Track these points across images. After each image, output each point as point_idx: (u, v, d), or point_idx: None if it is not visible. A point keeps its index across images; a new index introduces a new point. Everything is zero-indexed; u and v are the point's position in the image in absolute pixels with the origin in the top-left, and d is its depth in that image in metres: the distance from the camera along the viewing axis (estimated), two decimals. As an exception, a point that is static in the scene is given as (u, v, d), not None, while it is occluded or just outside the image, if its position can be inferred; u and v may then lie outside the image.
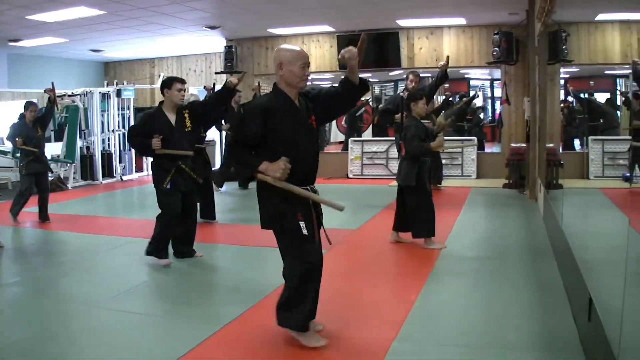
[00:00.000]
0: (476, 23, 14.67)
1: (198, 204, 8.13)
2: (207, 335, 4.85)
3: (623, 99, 13.38)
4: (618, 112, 13.80)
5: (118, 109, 16.86)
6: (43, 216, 10.04)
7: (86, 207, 12.08)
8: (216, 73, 17.82)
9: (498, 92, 18.05)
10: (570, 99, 14.64)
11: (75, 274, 7.03)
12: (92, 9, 11.95)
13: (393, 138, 13.90)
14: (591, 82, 15.37)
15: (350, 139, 16.65)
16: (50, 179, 11.43)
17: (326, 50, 16.28)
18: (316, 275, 4.58)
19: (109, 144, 16.57)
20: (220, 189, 13.28)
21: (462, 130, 17.20)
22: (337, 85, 4.79)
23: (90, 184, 15.75)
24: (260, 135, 4.43)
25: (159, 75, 19.52)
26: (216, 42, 17.14)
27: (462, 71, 18.34)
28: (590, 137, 12.59)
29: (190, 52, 19.37)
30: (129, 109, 17.29)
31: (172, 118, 7.21)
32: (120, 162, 16.77)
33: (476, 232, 9.10)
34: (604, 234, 6.20)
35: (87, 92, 16.12)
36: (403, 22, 14.70)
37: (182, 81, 7.34)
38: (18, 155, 10.75)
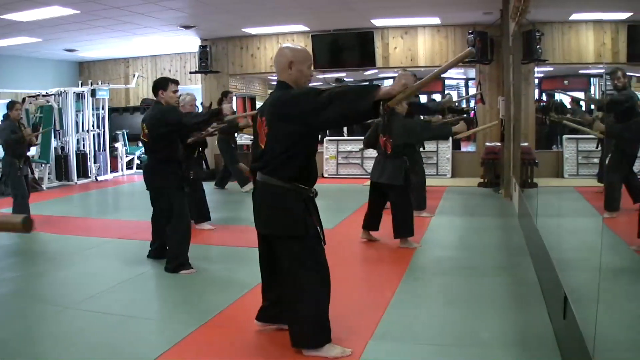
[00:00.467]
0: (451, 23, 14.72)
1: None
2: (184, 335, 4.83)
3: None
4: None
5: (92, 109, 16.73)
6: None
7: (61, 208, 11.99)
8: (191, 73, 17.77)
9: (473, 92, 18.11)
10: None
11: (50, 275, 6.97)
12: (66, 9, 11.87)
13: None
14: (565, 82, 15.48)
15: (325, 139, 16.63)
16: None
17: (301, 50, 16.26)
18: (329, 280, 4.50)
19: (83, 144, 16.44)
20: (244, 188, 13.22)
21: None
22: None
23: (65, 184, 15.63)
24: None
25: (134, 75, 19.45)
26: (191, 42, 17.08)
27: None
28: (565, 136, 12.67)
29: (165, 51, 19.30)
30: (103, 109, 17.17)
31: None
32: (95, 162, 16.65)
33: (451, 230, 9.14)
34: (579, 232, 6.24)
35: (61, 92, 15.99)
36: (378, 22, 14.72)
37: (176, 82, 7.22)
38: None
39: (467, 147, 17.70)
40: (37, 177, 14.77)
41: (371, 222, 8.17)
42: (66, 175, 15.76)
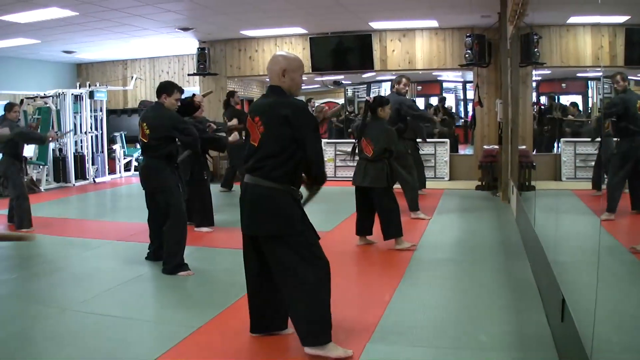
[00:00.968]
0: (448, 25, 14.73)
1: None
2: (182, 337, 4.84)
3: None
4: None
5: (90, 110, 16.74)
6: (13, 218, 9.90)
7: (59, 210, 11.99)
8: (189, 75, 17.75)
9: (470, 95, 18.14)
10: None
11: (48, 276, 6.97)
12: (65, 10, 11.86)
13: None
14: (563, 85, 15.47)
15: (323, 141, 16.60)
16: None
17: (299, 53, 16.22)
18: (329, 278, 4.53)
19: (81, 146, 16.43)
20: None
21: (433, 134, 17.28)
22: None
23: (62, 186, 15.63)
24: None
25: (132, 77, 19.45)
26: (189, 44, 17.07)
27: (434, 73, 18.44)
28: (562, 139, 12.67)
29: (163, 53, 19.28)
30: (101, 110, 17.18)
31: None
32: (92, 164, 16.65)
33: (449, 233, 9.14)
34: (576, 234, 6.25)
35: (59, 93, 16.00)
36: (376, 25, 14.72)
37: (182, 91, 7.26)
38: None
39: (464, 150, 17.71)
40: (34, 179, 14.77)
41: (363, 227, 8.18)
42: (64, 177, 15.76)
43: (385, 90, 20.02)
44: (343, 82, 20.39)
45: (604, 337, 3.51)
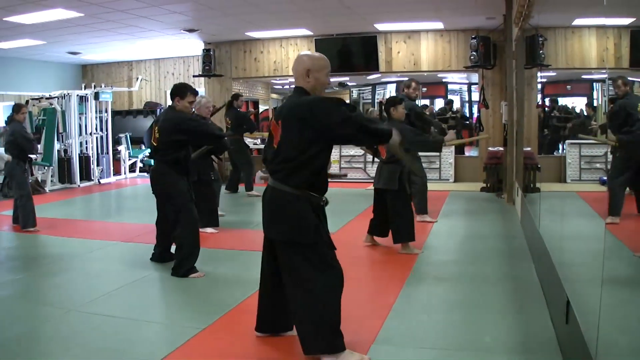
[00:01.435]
0: (454, 27, 14.73)
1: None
2: (187, 338, 4.85)
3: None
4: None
5: (96, 112, 16.76)
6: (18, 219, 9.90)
7: (64, 211, 11.99)
8: (194, 76, 17.76)
9: (475, 96, 18.11)
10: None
11: (53, 277, 6.97)
12: (70, 11, 11.88)
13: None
14: (568, 87, 15.45)
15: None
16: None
17: (303, 54, 16.26)
18: (342, 287, 4.45)
19: (86, 147, 16.45)
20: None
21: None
22: None
23: (67, 187, 15.64)
24: None
25: (137, 79, 19.45)
26: (194, 45, 17.09)
27: (439, 75, 18.43)
28: (567, 141, 12.67)
29: (169, 55, 19.30)
30: (106, 112, 17.19)
31: None
32: (97, 165, 16.67)
33: (454, 235, 9.14)
34: (581, 236, 6.24)
35: (64, 94, 16.02)
36: (381, 26, 14.72)
37: (196, 93, 7.20)
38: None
39: (469, 152, 17.69)
40: (39, 180, 14.79)
41: (375, 228, 8.17)
42: (69, 178, 15.77)
43: (390, 92, 20.01)
44: (348, 83, 20.38)
45: (609, 339, 3.51)
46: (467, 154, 17.15)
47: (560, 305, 4.52)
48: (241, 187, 13.57)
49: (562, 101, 15.21)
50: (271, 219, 4.46)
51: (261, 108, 20.08)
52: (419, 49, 15.32)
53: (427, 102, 19.93)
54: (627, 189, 6.09)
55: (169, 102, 7.41)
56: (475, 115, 16.79)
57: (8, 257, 7.88)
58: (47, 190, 14.72)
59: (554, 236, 6.41)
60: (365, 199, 11.79)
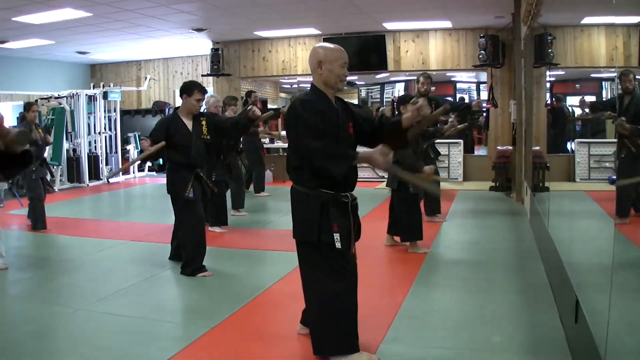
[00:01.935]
0: (462, 26, 14.71)
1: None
2: (196, 337, 4.86)
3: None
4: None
5: (104, 111, 16.83)
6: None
7: (73, 210, 12.03)
8: (202, 75, 17.75)
9: (484, 95, 18.09)
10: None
11: (62, 276, 7.00)
12: (79, 11, 11.91)
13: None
14: (577, 85, 15.42)
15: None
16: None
17: (313, 53, 16.24)
18: (353, 290, 4.39)
19: (95, 147, 16.51)
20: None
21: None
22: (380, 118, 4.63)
23: (76, 186, 15.70)
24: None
25: (146, 78, 19.49)
26: (202, 45, 17.11)
27: (448, 74, 18.41)
28: (576, 140, 12.63)
29: (177, 54, 19.33)
30: (115, 111, 17.26)
31: (189, 124, 6.96)
32: (106, 164, 16.72)
33: (463, 234, 9.13)
34: (590, 236, 6.22)
35: (73, 94, 16.09)
36: (389, 25, 14.71)
37: (204, 91, 7.11)
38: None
39: (478, 151, 17.67)
40: (48, 179, 14.82)
41: (390, 227, 8.16)
42: (78, 177, 15.83)
43: (398, 90, 20.00)
44: (357, 82, 20.37)
45: (618, 339, 3.50)
46: (476, 153, 17.13)
47: (569, 305, 4.51)
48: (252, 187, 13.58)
49: (570, 100, 15.17)
50: (292, 216, 4.42)
51: (269, 107, 20.07)
52: (427, 48, 15.30)
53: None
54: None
55: (178, 101, 7.37)
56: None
57: (17, 256, 7.90)
58: (56, 190, 14.73)
59: (563, 236, 6.39)
60: (374, 199, 11.81)
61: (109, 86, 17.21)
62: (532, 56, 10.30)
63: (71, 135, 15.84)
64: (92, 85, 17.67)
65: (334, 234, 4.19)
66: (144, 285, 6.52)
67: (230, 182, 9.96)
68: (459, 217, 10.30)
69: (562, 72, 13.79)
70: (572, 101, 14.99)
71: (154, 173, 18.60)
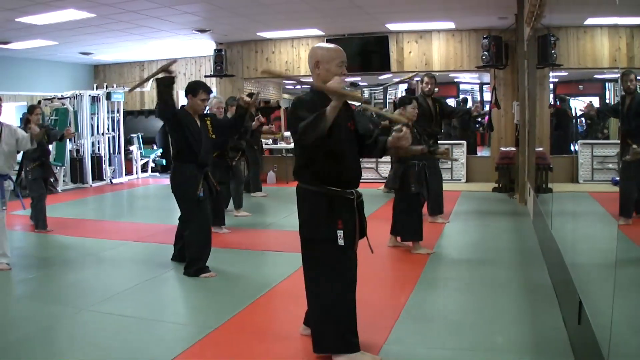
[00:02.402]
0: (465, 27, 14.71)
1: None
2: (199, 337, 4.86)
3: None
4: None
5: (108, 112, 16.82)
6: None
7: (76, 210, 12.03)
8: (206, 76, 17.75)
9: (487, 96, 18.08)
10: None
11: (66, 276, 7.01)
12: (82, 12, 11.92)
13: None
14: (580, 87, 15.40)
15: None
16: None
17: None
18: (352, 289, 4.38)
19: (98, 147, 16.51)
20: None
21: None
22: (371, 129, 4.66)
23: (79, 186, 15.70)
24: None
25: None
26: (206, 46, 17.12)
27: (451, 75, 18.40)
28: (580, 141, 12.63)
29: (180, 55, 19.29)
30: (118, 112, 17.26)
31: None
32: (110, 165, 16.73)
33: (466, 235, 9.13)
34: (594, 237, 6.22)
35: (76, 94, 16.08)
36: (392, 26, 14.71)
37: (209, 90, 7.12)
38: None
39: (481, 152, 17.66)
40: (51, 180, 14.83)
41: (393, 227, 8.15)
42: (81, 178, 15.83)
43: (401, 92, 19.98)
44: (360, 83, 20.36)
45: (621, 340, 3.50)
46: (479, 154, 17.12)
47: (572, 306, 4.51)
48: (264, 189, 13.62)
49: (573, 102, 15.15)
50: (298, 214, 4.42)
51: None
52: (430, 49, 15.30)
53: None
54: None
55: (181, 102, 7.38)
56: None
57: (21, 257, 7.89)
58: (60, 190, 14.74)
59: (566, 237, 6.40)
60: (376, 199, 11.81)
61: (112, 87, 17.22)
62: (535, 57, 10.30)
63: (74, 136, 15.82)
64: (95, 86, 17.69)
65: (338, 231, 4.22)
66: (147, 285, 6.53)
67: (230, 181, 9.97)
68: (462, 218, 10.30)
69: (566, 73, 13.79)
70: (575, 102, 14.97)
71: (157, 174, 18.61)
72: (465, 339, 4.85)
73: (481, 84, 20.14)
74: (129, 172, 17.72)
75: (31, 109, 9.72)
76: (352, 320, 4.35)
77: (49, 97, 15.97)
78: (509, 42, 13.82)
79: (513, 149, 13.02)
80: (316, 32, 15.51)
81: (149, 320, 5.38)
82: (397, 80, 16.48)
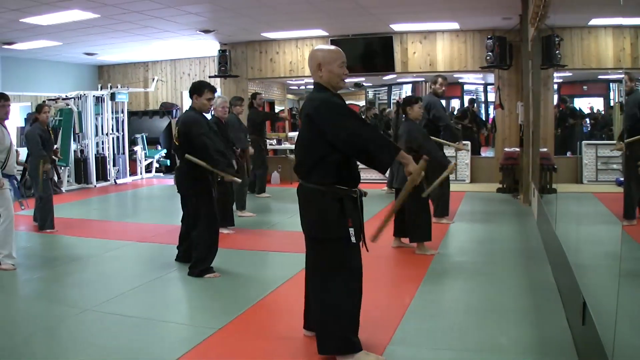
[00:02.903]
0: (469, 28, 14.69)
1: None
2: (203, 338, 4.86)
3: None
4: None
5: (112, 112, 16.85)
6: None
7: (80, 211, 12.04)
8: (210, 77, 17.73)
9: (491, 97, 18.06)
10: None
11: (70, 277, 7.02)
12: (86, 13, 11.93)
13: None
14: (584, 87, 15.40)
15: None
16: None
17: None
18: (361, 287, 4.42)
19: (102, 148, 16.54)
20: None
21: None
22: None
23: (84, 187, 15.72)
24: None
25: (153, 79, 19.53)
26: (210, 46, 17.12)
27: (455, 76, 18.38)
28: (584, 142, 12.62)
29: (184, 55, 19.34)
30: (122, 112, 17.28)
31: None
32: (114, 165, 16.75)
33: (470, 236, 9.12)
34: (598, 238, 6.21)
35: (81, 95, 16.12)
36: (397, 27, 14.70)
37: (213, 89, 7.17)
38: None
39: (485, 153, 17.64)
40: (56, 180, 14.85)
41: (397, 228, 8.13)
42: (85, 178, 15.86)
43: (405, 92, 19.98)
44: (364, 84, 20.36)
45: (625, 341, 3.49)
46: (483, 154, 17.10)
47: (576, 307, 4.50)
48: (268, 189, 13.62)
49: (578, 102, 15.16)
50: (301, 214, 4.45)
51: (277, 108, 20.10)
52: (434, 50, 15.28)
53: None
54: None
55: (185, 103, 7.39)
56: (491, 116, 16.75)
57: (25, 257, 7.90)
58: (64, 191, 14.77)
59: (571, 237, 6.38)
60: (380, 200, 11.79)
61: (117, 87, 17.24)
62: (540, 58, 10.29)
63: (79, 137, 15.86)
64: (99, 87, 17.74)
65: (349, 229, 4.28)
66: (151, 286, 6.54)
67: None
68: (467, 219, 10.29)
69: (570, 74, 13.79)
70: (579, 103, 14.98)
71: (161, 174, 18.64)
72: (470, 340, 4.85)
73: (485, 85, 20.13)
74: (133, 172, 17.75)
75: (39, 108, 9.76)
76: (356, 320, 4.35)
77: (53, 98, 15.99)
78: (513, 42, 13.80)
79: (517, 149, 13.02)
80: (320, 32, 15.51)
81: (153, 321, 5.39)
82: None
